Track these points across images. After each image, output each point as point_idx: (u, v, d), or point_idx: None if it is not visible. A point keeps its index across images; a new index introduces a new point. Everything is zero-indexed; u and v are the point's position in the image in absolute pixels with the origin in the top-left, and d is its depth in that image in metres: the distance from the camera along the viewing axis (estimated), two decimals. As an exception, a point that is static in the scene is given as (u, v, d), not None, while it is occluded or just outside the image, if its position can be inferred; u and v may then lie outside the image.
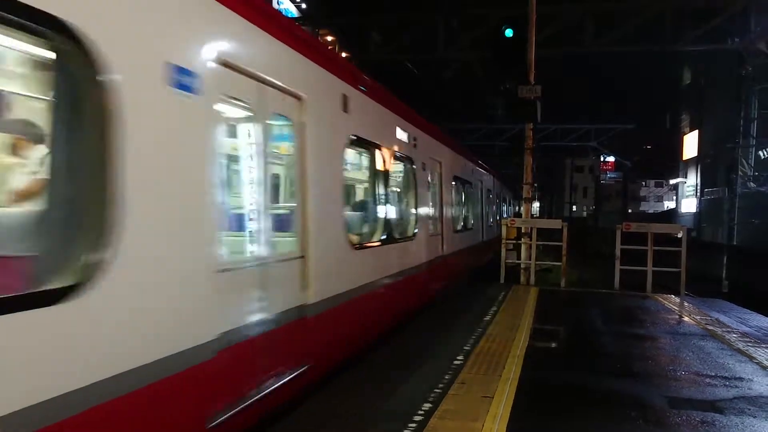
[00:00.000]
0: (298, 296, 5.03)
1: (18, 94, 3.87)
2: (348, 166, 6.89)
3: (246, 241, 4.51)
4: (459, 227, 13.97)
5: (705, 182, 36.64)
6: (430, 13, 19.49)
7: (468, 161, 15.67)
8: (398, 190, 9.20)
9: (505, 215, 25.13)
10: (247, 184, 4.58)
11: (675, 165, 47.01)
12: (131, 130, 3.05)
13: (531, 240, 13.46)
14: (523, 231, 14.04)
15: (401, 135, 8.75)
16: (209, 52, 3.83)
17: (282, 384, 4.59)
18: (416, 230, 9.46)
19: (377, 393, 5.36)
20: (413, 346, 7.35)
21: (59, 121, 2.99)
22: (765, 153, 28.50)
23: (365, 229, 7.68)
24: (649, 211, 67.71)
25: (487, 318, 9.00)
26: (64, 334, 2.72)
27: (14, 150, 3.56)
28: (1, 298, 2.45)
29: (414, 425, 4.55)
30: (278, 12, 5.47)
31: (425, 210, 10.23)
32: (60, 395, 2.67)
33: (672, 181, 51.95)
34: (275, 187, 5.26)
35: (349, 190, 7.40)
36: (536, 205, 67.59)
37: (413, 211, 9.53)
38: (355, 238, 6.87)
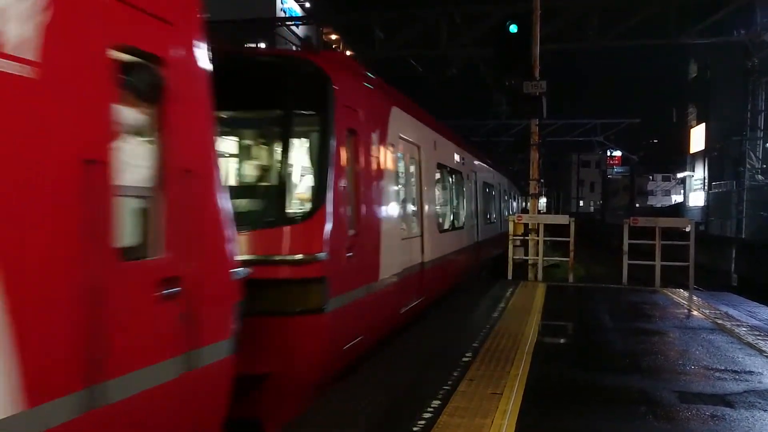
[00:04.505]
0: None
1: None
2: (435, 182, 10.57)
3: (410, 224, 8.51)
4: (486, 221, 16.70)
5: (712, 176, 36.37)
6: (432, 9, 19.48)
7: (491, 168, 18.77)
8: (458, 194, 12.95)
9: (515, 210, 25.78)
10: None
11: (682, 159, 46.67)
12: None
13: (538, 236, 13.44)
14: (530, 227, 14.02)
15: (458, 157, 12.66)
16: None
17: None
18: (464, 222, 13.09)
19: (386, 390, 5.37)
20: (422, 343, 7.36)
21: None
22: (772, 145, 28.26)
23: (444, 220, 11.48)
24: (657, 206, 67.27)
25: (495, 314, 9.00)
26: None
27: None
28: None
29: (423, 422, 4.56)
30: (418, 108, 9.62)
31: (470, 207, 14.03)
32: None
33: (679, 175, 51.64)
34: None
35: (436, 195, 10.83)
36: (543, 200, 67.41)
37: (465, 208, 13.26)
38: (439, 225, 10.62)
